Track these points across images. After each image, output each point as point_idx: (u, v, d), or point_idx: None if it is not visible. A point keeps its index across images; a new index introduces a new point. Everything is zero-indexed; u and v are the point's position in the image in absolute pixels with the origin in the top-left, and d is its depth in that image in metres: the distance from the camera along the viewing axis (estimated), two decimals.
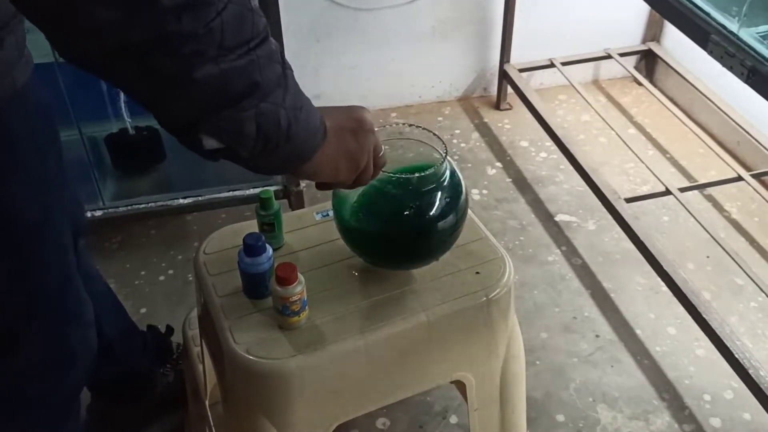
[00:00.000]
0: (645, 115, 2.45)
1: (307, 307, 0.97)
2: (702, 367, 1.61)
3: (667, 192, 1.88)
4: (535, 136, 2.33)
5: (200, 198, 1.82)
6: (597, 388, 1.57)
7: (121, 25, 0.53)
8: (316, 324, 0.98)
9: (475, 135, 2.37)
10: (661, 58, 2.47)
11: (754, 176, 1.94)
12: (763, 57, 1.30)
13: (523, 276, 1.84)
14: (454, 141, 2.33)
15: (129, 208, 1.80)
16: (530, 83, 2.45)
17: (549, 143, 2.23)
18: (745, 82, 1.32)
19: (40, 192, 0.94)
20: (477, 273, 1.07)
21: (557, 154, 2.19)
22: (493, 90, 2.52)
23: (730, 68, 1.35)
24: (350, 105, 0.80)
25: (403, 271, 1.06)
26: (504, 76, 2.40)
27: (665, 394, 1.56)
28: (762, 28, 1.35)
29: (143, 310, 1.75)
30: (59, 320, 1.04)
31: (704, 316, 1.54)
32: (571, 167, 2.06)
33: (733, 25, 1.38)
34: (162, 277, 1.84)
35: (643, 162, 1.95)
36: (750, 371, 1.42)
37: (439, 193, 0.96)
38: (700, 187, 2.02)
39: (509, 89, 2.42)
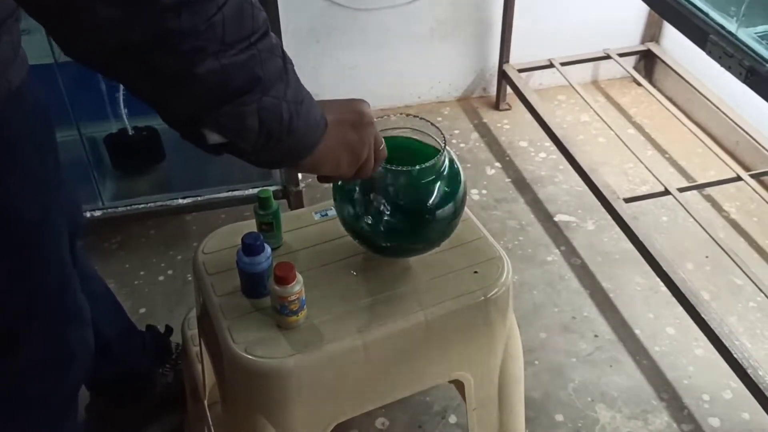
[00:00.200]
0: (644, 115, 2.45)
1: (305, 307, 0.97)
2: (701, 367, 1.61)
3: (666, 192, 1.88)
4: (534, 137, 2.34)
5: (199, 198, 1.82)
6: (596, 388, 1.57)
7: (121, 23, 0.53)
8: (314, 323, 0.98)
9: (475, 135, 2.37)
10: (660, 59, 2.47)
11: (753, 176, 1.95)
12: (762, 57, 1.30)
13: (522, 276, 1.84)
14: (454, 141, 2.33)
15: (128, 208, 1.80)
16: (529, 83, 2.46)
17: (548, 143, 2.23)
18: (744, 82, 1.32)
19: (40, 192, 0.94)
20: (475, 272, 1.07)
21: (556, 155, 2.20)
22: (493, 90, 2.52)
23: (729, 68, 1.35)
24: (350, 98, 0.81)
25: (402, 271, 1.07)
26: (503, 77, 2.40)
27: (664, 393, 1.57)
28: (760, 28, 1.36)
29: (142, 310, 1.75)
30: (59, 320, 1.04)
31: (703, 316, 1.54)
32: (570, 167, 2.07)
33: (731, 25, 1.38)
34: (161, 277, 1.85)
35: (642, 162, 1.95)
36: (749, 371, 1.42)
37: (439, 183, 0.97)
38: (699, 187, 2.02)
39: (508, 89, 2.43)
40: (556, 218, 2.04)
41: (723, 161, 2.00)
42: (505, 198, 2.11)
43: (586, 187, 1.98)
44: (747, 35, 1.35)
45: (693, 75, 2.33)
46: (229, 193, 1.83)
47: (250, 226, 1.10)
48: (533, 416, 1.50)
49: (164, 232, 1.97)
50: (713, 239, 1.72)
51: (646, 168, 1.94)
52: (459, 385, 1.13)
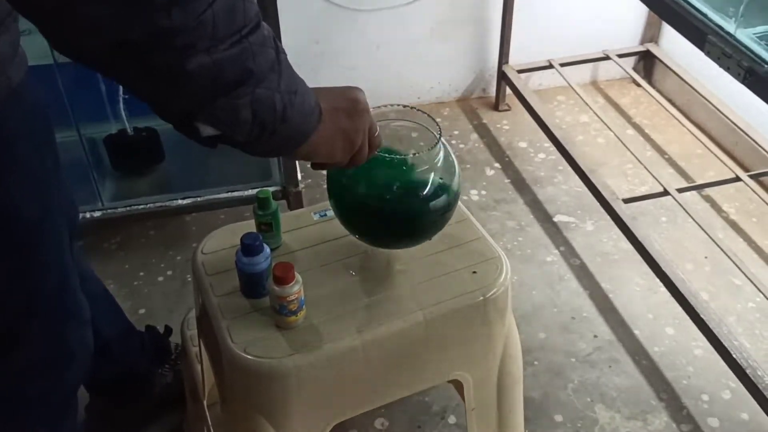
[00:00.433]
0: (643, 115, 2.45)
1: (304, 307, 0.98)
2: (700, 367, 1.62)
3: (666, 192, 1.88)
4: (533, 137, 2.34)
5: (199, 198, 1.82)
6: (595, 388, 1.57)
7: (112, 23, 0.53)
8: (313, 323, 0.98)
9: (474, 136, 2.37)
10: (659, 59, 2.47)
11: (752, 177, 1.95)
12: (760, 57, 1.30)
13: (521, 276, 1.85)
14: (453, 142, 2.34)
15: (128, 208, 1.80)
16: (529, 84, 2.46)
17: (547, 144, 2.23)
18: (742, 82, 1.33)
19: (39, 191, 0.94)
20: (474, 272, 1.07)
21: (556, 155, 2.20)
22: (492, 91, 2.52)
23: (727, 69, 1.35)
24: (345, 86, 0.81)
25: (401, 272, 1.07)
26: (503, 77, 2.41)
27: (663, 394, 1.57)
28: (759, 29, 1.36)
29: (142, 311, 1.75)
30: (59, 319, 1.04)
31: (702, 316, 1.54)
32: (569, 168, 2.07)
33: (730, 26, 1.38)
34: (161, 278, 1.85)
35: (641, 162, 1.96)
36: (748, 371, 1.43)
37: (433, 174, 0.97)
38: (699, 187, 2.02)
39: (508, 90, 2.43)
40: (556, 219, 2.04)
41: (722, 162, 2.00)
42: (504, 198, 2.11)
43: (585, 188, 1.99)
44: (745, 36, 1.35)
45: (692, 76, 2.33)
46: (229, 194, 1.83)
47: (250, 226, 1.10)
48: (532, 416, 1.50)
49: (164, 233, 1.97)
50: (712, 240, 1.72)
51: (646, 168, 1.95)
52: (458, 385, 1.13)
